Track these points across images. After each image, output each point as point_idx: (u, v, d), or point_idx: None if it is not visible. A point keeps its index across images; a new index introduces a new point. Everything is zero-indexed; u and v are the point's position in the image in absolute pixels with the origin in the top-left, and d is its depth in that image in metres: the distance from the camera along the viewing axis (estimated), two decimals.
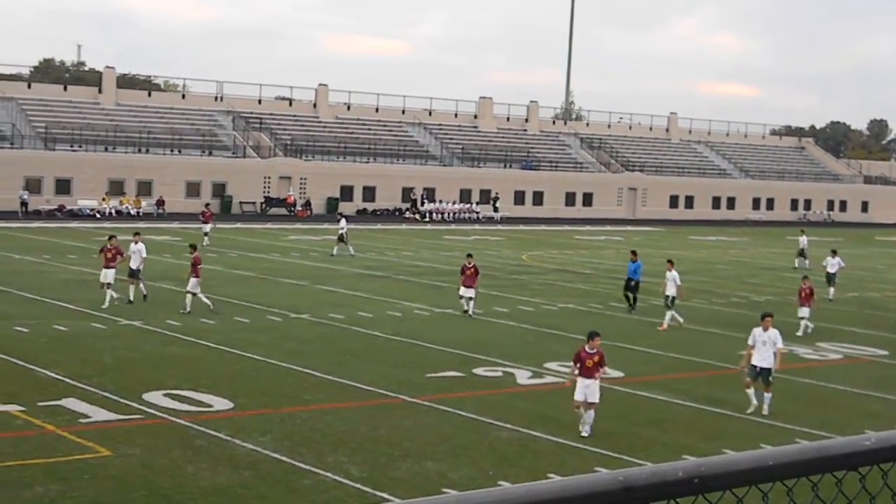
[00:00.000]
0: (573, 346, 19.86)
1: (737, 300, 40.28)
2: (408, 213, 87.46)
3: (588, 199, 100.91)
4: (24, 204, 71.71)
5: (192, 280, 31.39)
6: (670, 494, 2.38)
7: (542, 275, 46.92)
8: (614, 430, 19.33)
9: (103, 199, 75.40)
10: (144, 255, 33.69)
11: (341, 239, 51.28)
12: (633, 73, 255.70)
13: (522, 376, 24.02)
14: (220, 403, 20.20)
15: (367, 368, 24.03)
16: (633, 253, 36.10)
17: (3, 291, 34.02)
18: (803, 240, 55.30)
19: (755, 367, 21.31)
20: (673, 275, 32.49)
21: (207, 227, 54.64)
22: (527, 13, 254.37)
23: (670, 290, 32.44)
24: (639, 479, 2.31)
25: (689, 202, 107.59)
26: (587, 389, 18.92)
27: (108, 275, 31.87)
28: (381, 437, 18.31)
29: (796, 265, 53.55)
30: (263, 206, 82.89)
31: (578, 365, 19.13)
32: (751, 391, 21.33)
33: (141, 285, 32.91)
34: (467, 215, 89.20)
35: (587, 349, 19.16)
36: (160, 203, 77.33)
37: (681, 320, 32.23)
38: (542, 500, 2.20)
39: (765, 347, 21.36)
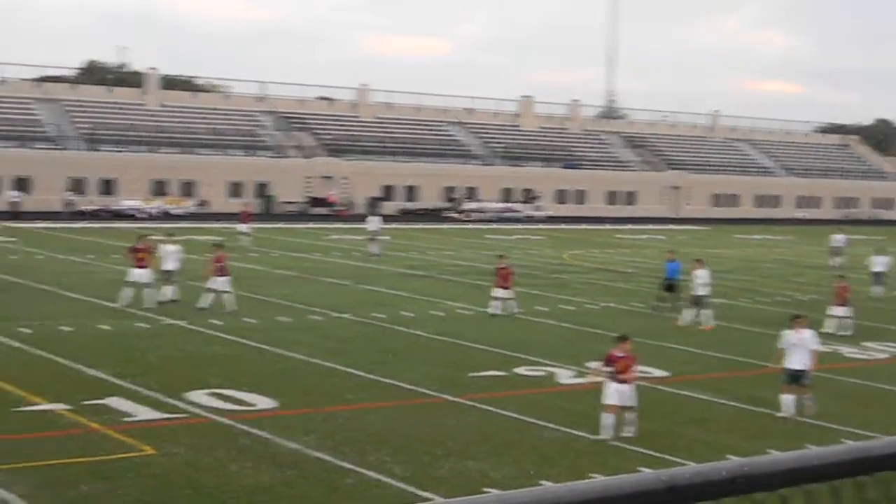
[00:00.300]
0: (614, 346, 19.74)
1: (782, 299, 39.95)
2: (449, 211, 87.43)
3: (630, 198, 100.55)
4: (68, 204, 72.44)
5: (221, 279, 31.47)
6: (713, 494, 2.36)
7: (583, 274, 46.79)
8: (657, 430, 19.22)
9: (147, 200, 76.01)
10: (180, 256, 33.79)
11: (373, 238, 51.51)
12: (675, 71, 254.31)
13: (564, 375, 23.98)
14: (263, 402, 20.30)
15: (410, 368, 24.05)
16: (671, 252, 35.89)
17: (48, 291, 34.37)
18: (839, 238, 54.62)
19: (788, 370, 20.66)
20: (701, 273, 32.06)
21: (245, 227, 54.65)
22: (568, 12, 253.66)
23: (698, 289, 32.07)
24: (682, 479, 2.30)
25: (733, 201, 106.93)
26: (622, 395, 18.64)
27: (143, 275, 31.85)
28: (424, 436, 18.33)
29: (832, 264, 53.00)
30: (308, 205, 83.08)
31: (609, 368, 18.95)
32: (786, 397, 20.44)
33: (167, 288, 32.52)
34: (509, 214, 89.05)
35: (617, 353, 18.98)
36: (203, 203, 77.78)
37: (686, 320, 31.87)
38: (583, 499, 2.19)
39: (796, 349, 20.64)
